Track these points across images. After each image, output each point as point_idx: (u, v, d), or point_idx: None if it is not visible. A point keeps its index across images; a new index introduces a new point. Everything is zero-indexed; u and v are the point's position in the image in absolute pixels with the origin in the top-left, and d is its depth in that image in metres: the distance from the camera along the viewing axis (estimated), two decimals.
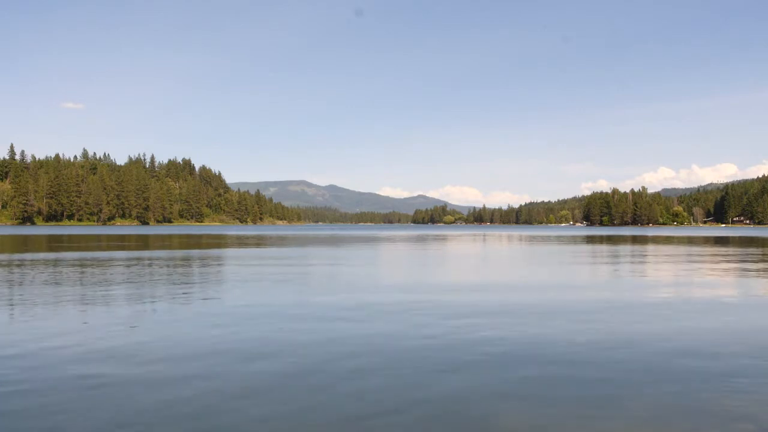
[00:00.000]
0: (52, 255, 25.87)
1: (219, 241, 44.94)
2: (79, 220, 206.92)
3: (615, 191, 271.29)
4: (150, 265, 19.84)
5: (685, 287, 14.27)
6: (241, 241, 45.33)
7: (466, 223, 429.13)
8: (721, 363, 6.38)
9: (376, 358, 6.57)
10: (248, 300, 11.27)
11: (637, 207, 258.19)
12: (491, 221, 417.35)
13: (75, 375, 5.83)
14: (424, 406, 4.94)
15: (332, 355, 6.65)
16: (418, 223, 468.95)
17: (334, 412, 4.76)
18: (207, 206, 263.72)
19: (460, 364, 6.27)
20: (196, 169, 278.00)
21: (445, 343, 7.33)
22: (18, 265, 19.52)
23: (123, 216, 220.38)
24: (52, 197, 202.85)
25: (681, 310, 10.14)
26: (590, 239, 54.99)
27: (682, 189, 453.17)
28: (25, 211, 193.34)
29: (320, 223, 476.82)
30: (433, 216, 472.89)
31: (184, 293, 12.12)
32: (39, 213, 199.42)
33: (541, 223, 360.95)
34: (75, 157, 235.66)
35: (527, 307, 10.35)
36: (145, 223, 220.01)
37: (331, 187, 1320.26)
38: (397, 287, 14.05)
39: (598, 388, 5.46)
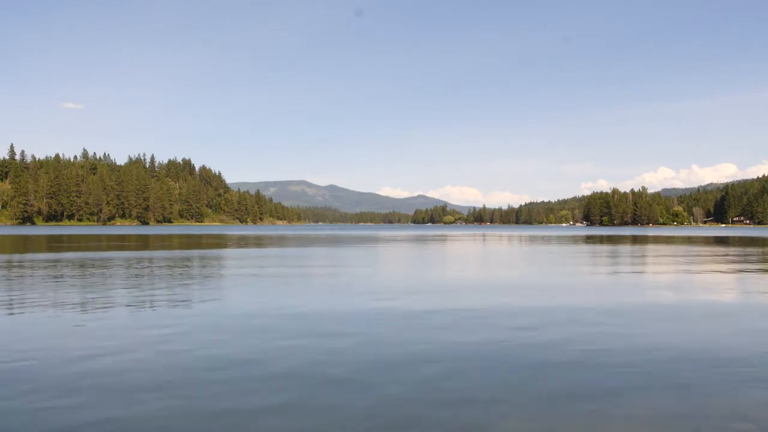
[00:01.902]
0: (52, 255, 25.85)
1: (219, 242, 44.92)
2: (79, 220, 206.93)
3: (615, 191, 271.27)
4: (150, 265, 19.82)
5: (687, 288, 14.28)
6: (242, 241, 45.32)
7: (466, 223, 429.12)
8: (722, 363, 6.37)
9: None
10: (250, 304, 11.24)
11: (637, 207, 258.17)
12: (491, 221, 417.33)
13: (73, 377, 5.83)
14: (424, 402, 4.91)
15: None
16: (418, 223, 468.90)
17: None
18: (207, 206, 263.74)
19: (462, 367, 6.28)
20: (196, 169, 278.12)
21: (443, 341, 7.34)
22: (18, 266, 19.50)
23: (123, 216, 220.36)
24: (52, 197, 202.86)
25: (683, 311, 10.14)
26: (592, 240, 54.97)
27: (682, 189, 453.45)
28: (25, 211, 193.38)
29: (320, 223, 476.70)
30: (433, 216, 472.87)
31: (182, 299, 12.10)
32: (39, 213, 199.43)
33: (541, 223, 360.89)
34: (75, 157, 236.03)
35: (529, 308, 10.35)
36: (145, 223, 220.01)
37: (331, 187, 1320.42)
38: (404, 290, 14.04)
39: (599, 387, 5.45)
